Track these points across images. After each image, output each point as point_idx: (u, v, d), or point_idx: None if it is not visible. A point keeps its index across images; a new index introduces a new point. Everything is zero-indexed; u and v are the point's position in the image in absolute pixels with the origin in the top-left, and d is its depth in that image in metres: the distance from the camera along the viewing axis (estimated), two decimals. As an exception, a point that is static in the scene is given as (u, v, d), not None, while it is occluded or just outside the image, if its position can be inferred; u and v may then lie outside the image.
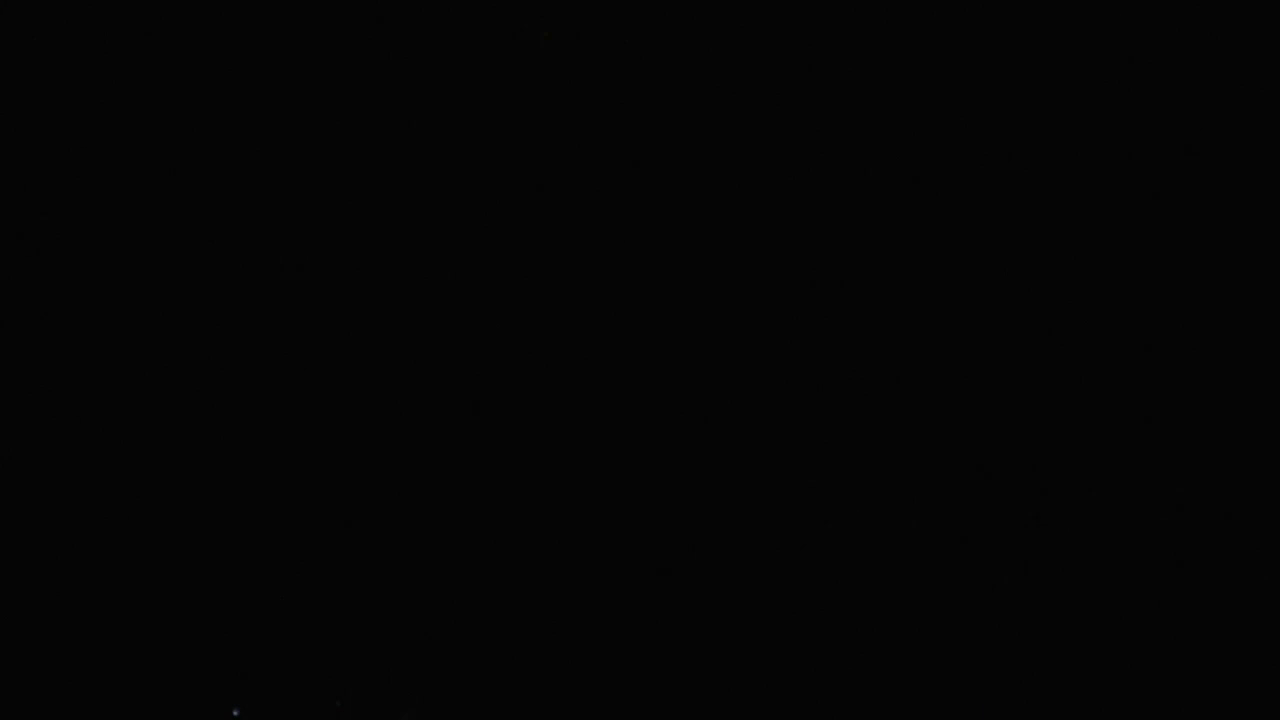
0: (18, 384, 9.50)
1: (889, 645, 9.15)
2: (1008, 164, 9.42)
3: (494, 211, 9.60)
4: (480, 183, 9.59)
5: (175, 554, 9.44)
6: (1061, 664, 9.02)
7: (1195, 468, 9.28)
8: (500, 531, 9.56)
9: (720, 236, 9.57)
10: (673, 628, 9.27)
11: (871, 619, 9.22)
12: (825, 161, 9.52)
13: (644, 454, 9.56)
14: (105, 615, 9.22)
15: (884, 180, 9.50)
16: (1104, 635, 9.06)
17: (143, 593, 9.31)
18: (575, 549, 9.49)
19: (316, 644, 9.24)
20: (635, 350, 9.60)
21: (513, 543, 9.52)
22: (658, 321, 9.59)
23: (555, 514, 9.56)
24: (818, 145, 9.52)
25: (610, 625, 9.29)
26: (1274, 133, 9.25)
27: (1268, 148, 9.25)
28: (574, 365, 9.61)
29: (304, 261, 9.52)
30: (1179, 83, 9.28)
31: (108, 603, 9.26)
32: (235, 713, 8.87)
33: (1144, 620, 9.08)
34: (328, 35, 9.45)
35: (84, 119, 9.47)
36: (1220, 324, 9.32)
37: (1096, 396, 9.36)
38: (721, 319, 9.58)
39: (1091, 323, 9.39)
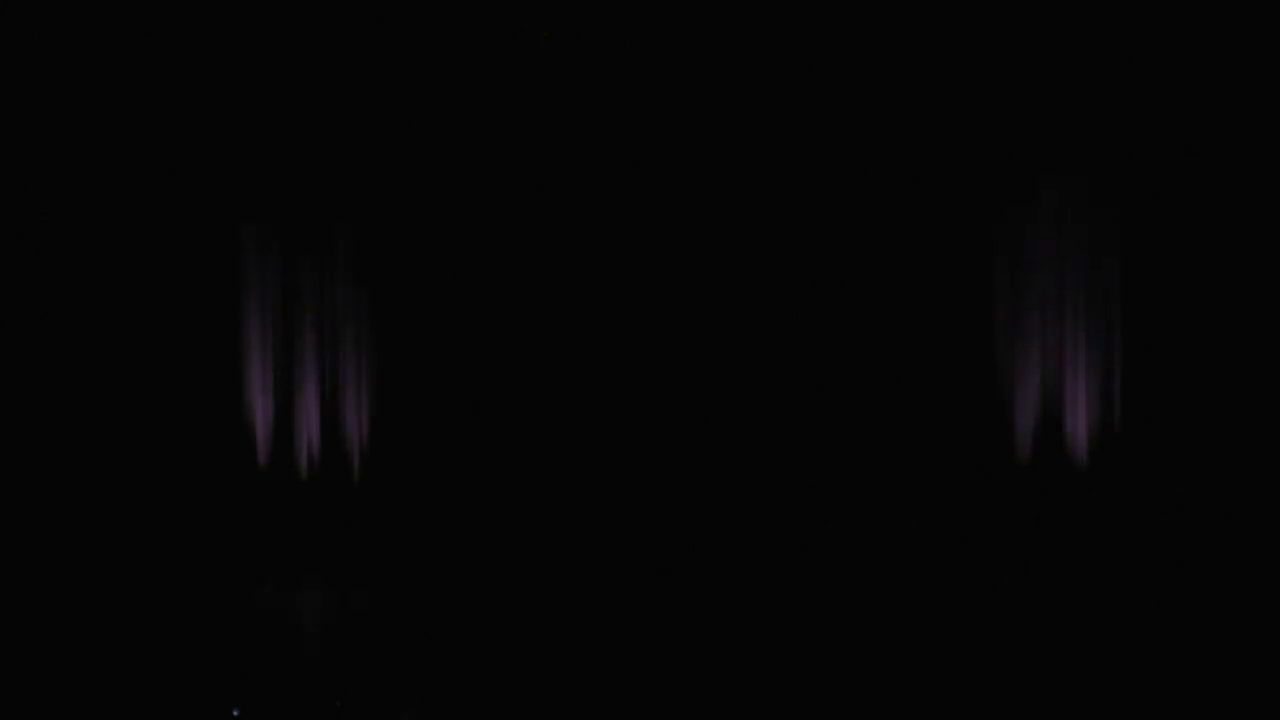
0: (18, 384, 9.51)
1: (889, 644, 9.15)
2: (1008, 164, 9.43)
3: (494, 210, 9.61)
4: (480, 182, 9.59)
5: (176, 555, 9.44)
6: (1061, 664, 9.02)
7: (1195, 468, 9.29)
8: (499, 532, 9.56)
9: (720, 236, 9.57)
10: (673, 627, 9.26)
11: (871, 618, 9.22)
12: (825, 162, 9.53)
13: (644, 453, 9.56)
14: (106, 615, 9.22)
15: (884, 180, 9.51)
16: (1103, 635, 9.07)
17: (143, 593, 9.31)
18: (575, 549, 9.49)
19: (316, 644, 9.25)
20: (634, 349, 9.60)
21: (512, 543, 9.52)
22: (657, 320, 9.59)
23: (555, 514, 9.56)
24: (818, 145, 9.52)
25: (610, 625, 9.29)
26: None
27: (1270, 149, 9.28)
28: (573, 364, 9.61)
29: (303, 262, 9.52)
30: (1179, 84, 9.29)
31: (109, 603, 9.26)
32: (235, 713, 8.87)
33: (1143, 620, 9.08)
34: (328, 35, 9.45)
35: (85, 119, 9.47)
36: (1217, 325, 9.33)
37: (1095, 396, 9.36)
38: (721, 318, 9.58)
39: (1089, 322, 9.39)
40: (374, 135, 9.52)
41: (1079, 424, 9.33)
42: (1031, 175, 9.37)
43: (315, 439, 9.50)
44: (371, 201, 9.55)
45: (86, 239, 9.47)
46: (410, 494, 9.59)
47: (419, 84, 9.49)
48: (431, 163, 9.56)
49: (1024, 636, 9.10)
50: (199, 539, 9.43)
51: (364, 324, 9.55)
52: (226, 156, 9.48)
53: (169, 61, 9.42)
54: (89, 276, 9.48)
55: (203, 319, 9.50)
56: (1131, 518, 9.27)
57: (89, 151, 9.46)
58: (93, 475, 9.43)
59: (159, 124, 9.45)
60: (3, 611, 9.21)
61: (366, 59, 9.45)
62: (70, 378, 9.48)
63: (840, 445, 9.50)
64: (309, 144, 9.50)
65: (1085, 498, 9.30)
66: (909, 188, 9.47)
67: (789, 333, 9.57)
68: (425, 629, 9.29)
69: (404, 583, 9.44)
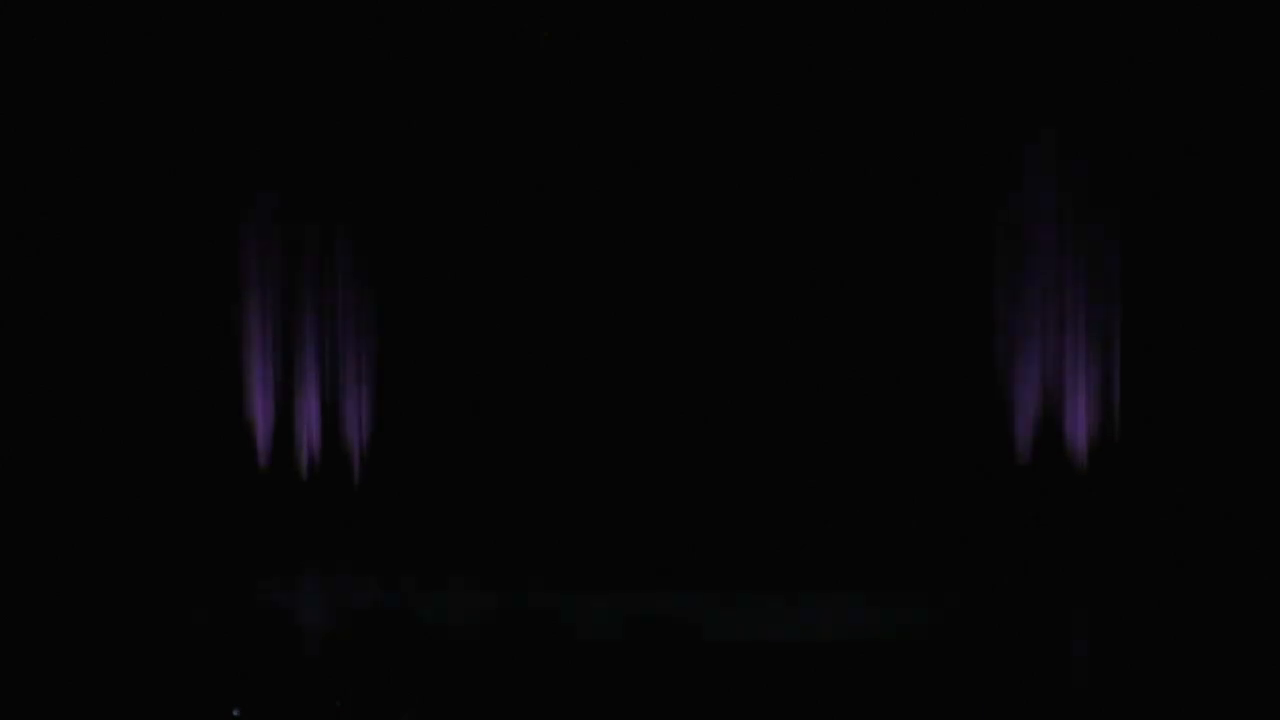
0: (19, 384, 9.51)
1: (889, 643, 9.15)
2: (1008, 165, 9.44)
3: (494, 211, 9.61)
4: (481, 183, 9.60)
5: (177, 555, 9.44)
6: (1060, 663, 9.02)
7: (1195, 468, 9.29)
8: (499, 532, 9.56)
9: (720, 238, 9.58)
10: (673, 627, 9.26)
11: (872, 617, 9.22)
12: (825, 163, 9.53)
13: (645, 453, 9.57)
14: (107, 615, 9.22)
15: (884, 182, 9.51)
16: (1103, 634, 9.06)
17: (144, 592, 9.31)
18: (575, 549, 9.49)
19: (316, 644, 9.24)
20: (634, 349, 9.60)
21: (512, 543, 9.52)
22: (656, 321, 9.60)
23: (555, 514, 9.56)
24: (818, 147, 9.53)
25: (609, 624, 9.29)
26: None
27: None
28: (573, 364, 9.61)
29: (303, 262, 9.53)
30: (1178, 84, 9.30)
31: (110, 602, 9.25)
32: (235, 713, 8.86)
33: (1143, 619, 9.08)
34: (329, 35, 9.46)
35: (86, 120, 9.48)
36: (1217, 326, 9.34)
37: (1094, 396, 9.37)
38: (721, 320, 9.58)
39: (1089, 323, 9.40)
40: (375, 136, 9.53)
41: (1078, 425, 9.33)
42: (1032, 175, 9.38)
43: (315, 439, 9.50)
44: (372, 202, 9.55)
45: (87, 239, 9.48)
46: (410, 494, 9.59)
47: (419, 84, 9.50)
48: (431, 163, 9.57)
49: (1023, 636, 9.10)
50: (200, 539, 9.43)
51: (364, 324, 9.56)
52: (227, 157, 9.49)
53: (170, 62, 9.43)
54: (90, 277, 9.48)
55: (203, 319, 9.50)
56: (1130, 518, 9.28)
57: (90, 152, 9.47)
58: (94, 475, 9.43)
59: (160, 124, 9.46)
60: (4, 611, 9.20)
61: (367, 59, 9.46)
62: (71, 378, 9.49)
63: (841, 446, 9.50)
64: (310, 145, 9.52)
65: (1084, 498, 9.31)
66: (909, 189, 9.48)
67: (790, 335, 9.57)
68: (425, 629, 9.28)
69: (403, 583, 9.43)
